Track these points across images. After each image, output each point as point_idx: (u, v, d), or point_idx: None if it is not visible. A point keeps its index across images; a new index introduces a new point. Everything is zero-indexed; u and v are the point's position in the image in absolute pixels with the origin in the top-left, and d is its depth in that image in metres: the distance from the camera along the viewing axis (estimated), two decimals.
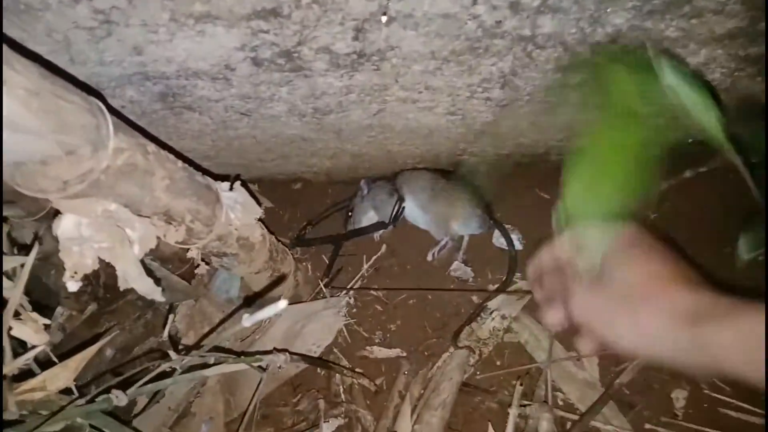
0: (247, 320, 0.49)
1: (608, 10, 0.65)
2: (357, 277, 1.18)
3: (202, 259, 0.85)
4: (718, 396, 0.80)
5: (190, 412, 1.00)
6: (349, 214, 1.26)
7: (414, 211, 1.19)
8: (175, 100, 0.85)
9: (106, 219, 0.55)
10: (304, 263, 1.21)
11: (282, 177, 1.37)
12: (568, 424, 0.84)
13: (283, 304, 0.44)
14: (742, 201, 1.03)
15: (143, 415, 1.00)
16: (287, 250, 1.07)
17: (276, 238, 1.04)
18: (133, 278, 0.59)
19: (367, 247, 1.24)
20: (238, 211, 0.76)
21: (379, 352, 1.04)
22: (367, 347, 1.05)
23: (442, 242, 1.16)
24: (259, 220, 0.86)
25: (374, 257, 1.22)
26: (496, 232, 1.16)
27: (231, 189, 0.76)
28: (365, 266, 1.20)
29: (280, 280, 1.03)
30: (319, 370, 1.04)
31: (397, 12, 0.63)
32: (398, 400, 0.93)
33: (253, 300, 0.98)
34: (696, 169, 1.11)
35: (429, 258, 1.16)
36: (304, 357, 0.91)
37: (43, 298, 1.15)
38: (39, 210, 0.78)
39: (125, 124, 0.57)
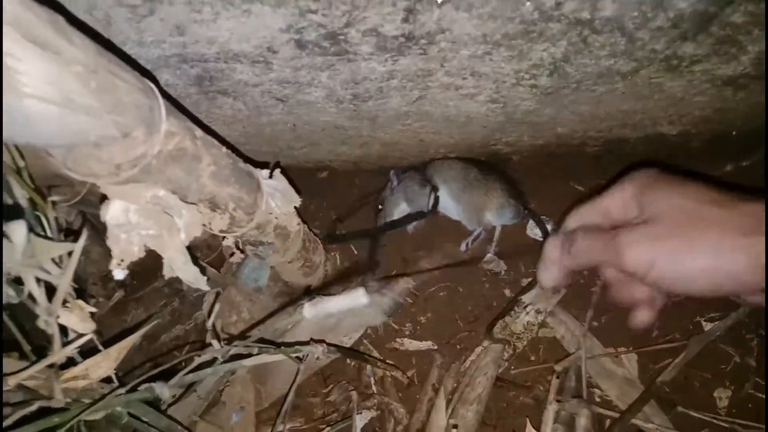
0: (308, 311, 0.47)
1: None
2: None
3: (237, 247, 0.83)
4: (762, 395, 0.77)
5: (221, 401, 0.99)
6: (380, 207, 1.23)
7: (446, 202, 1.16)
8: (212, 84, 0.82)
9: (154, 205, 0.54)
10: (332, 253, 1.19)
11: (309, 165, 1.35)
12: (607, 422, 0.82)
13: (362, 293, 0.42)
14: None
15: (177, 405, 1.00)
16: (318, 239, 1.05)
17: (309, 227, 1.02)
18: (179, 267, 0.57)
19: (396, 238, 1.22)
20: (278, 199, 0.74)
21: (410, 344, 1.02)
22: (397, 339, 1.03)
23: (475, 233, 1.14)
24: (295, 208, 0.84)
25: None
26: (531, 223, 1.14)
27: (270, 176, 0.74)
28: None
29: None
30: (349, 361, 1.03)
31: None
32: (431, 393, 0.92)
33: (309, 292, 0.97)
34: (738, 163, 1.07)
35: (462, 248, 1.14)
36: (340, 348, 0.89)
37: (73, 287, 1.15)
38: (75, 195, 0.76)
39: (174, 108, 0.55)
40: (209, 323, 0.67)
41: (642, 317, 0.52)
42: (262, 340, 0.84)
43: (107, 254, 0.86)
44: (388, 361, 0.99)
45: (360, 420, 0.89)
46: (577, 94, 0.86)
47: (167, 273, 0.59)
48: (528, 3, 0.62)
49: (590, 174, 1.18)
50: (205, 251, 1.16)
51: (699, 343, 0.83)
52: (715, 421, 0.76)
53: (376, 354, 1.01)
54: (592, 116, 0.95)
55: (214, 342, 0.65)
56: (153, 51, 0.72)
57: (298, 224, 0.86)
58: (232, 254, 0.84)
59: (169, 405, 0.82)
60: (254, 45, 0.70)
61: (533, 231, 1.13)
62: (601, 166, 1.17)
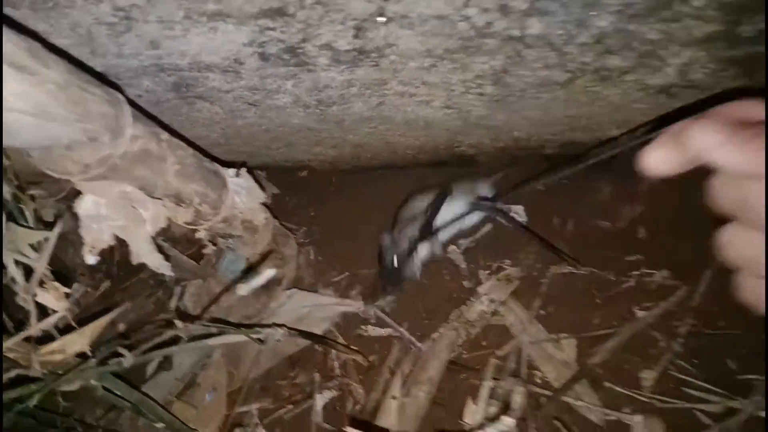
0: (242, 289, 0.55)
1: (593, 13, 0.69)
2: None
3: (209, 240, 0.91)
4: (684, 377, 0.85)
5: (196, 383, 1.07)
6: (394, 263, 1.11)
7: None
8: (188, 90, 0.90)
9: (122, 200, 0.61)
10: (306, 248, 1.27)
11: (288, 164, 1.43)
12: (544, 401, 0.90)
13: (271, 272, 0.50)
14: None
15: (152, 384, 1.07)
16: (289, 234, 1.12)
17: (280, 222, 1.10)
18: (144, 254, 0.65)
19: None
20: (243, 195, 0.82)
21: (373, 331, 1.10)
22: (362, 326, 1.11)
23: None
24: (264, 204, 0.91)
25: None
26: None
27: (237, 175, 0.82)
28: None
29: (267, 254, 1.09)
30: (317, 347, 1.11)
31: (394, 13, 0.67)
32: (389, 375, 0.99)
33: (248, 273, 1.03)
34: None
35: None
36: (302, 333, 0.97)
37: (60, 274, 1.23)
38: (59, 191, 0.84)
39: (141, 114, 0.63)
40: (171, 304, 0.75)
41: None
42: (226, 322, 0.91)
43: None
44: (351, 346, 1.07)
45: (321, 399, 0.97)
46: (524, 102, 0.93)
47: (135, 260, 0.66)
48: (461, 23, 0.69)
49: (550, 174, 1.25)
50: (186, 244, 1.23)
51: (630, 329, 0.91)
52: (638, 397, 0.83)
53: (341, 340, 1.09)
54: (542, 121, 1.02)
55: (177, 321, 0.72)
56: (132, 62, 0.80)
57: (266, 219, 0.93)
58: (205, 246, 0.91)
59: (145, 381, 0.89)
60: (222, 57, 0.78)
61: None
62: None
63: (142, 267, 1.33)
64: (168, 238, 1.16)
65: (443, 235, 1.17)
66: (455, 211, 1.13)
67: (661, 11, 0.68)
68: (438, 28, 0.71)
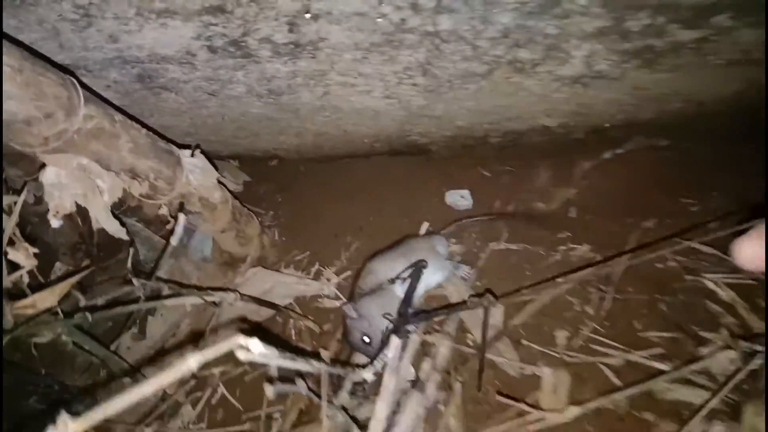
0: (174, 239, 0.65)
1: (494, 11, 0.79)
2: None
3: (171, 216, 1.01)
4: (593, 335, 0.95)
5: (165, 349, 1.17)
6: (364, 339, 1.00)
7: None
8: (151, 81, 1.00)
9: (80, 171, 0.71)
10: (271, 229, 1.37)
11: (258, 154, 1.53)
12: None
13: (183, 217, 0.60)
14: (652, 179, 1.19)
15: (128, 354, 1.18)
16: (252, 214, 1.22)
17: (243, 203, 1.20)
18: (102, 220, 0.75)
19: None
20: (198, 174, 0.92)
21: (329, 302, 1.20)
22: (319, 299, 1.21)
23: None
24: (221, 183, 1.01)
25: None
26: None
27: (192, 156, 0.92)
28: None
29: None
30: (278, 318, 1.21)
31: (319, 10, 0.77)
32: (338, 340, 1.10)
33: None
34: (614, 151, 1.24)
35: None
36: (255, 299, 1.07)
37: (43, 254, 1.33)
38: (34, 172, 0.94)
39: (96, 98, 0.73)
40: (128, 264, 0.85)
41: None
42: (183, 285, 1.01)
43: (74, 226, 1.07)
44: (307, 315, 1.17)
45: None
46: (456, 92, 1.03)
47: (94, 225, 0.76)
48: (380, 19, 0.79)
49: (495, 162, 1.36)
50: (158, 225, 1.33)
51: (548, 295, 1.01)
52: (551, 353, 0.93)
53: (298, 310, 1.19)
54: (478, 111, 1.13)
55: (134, 279, 0.82)
56: (97, 54, 0.90)
57: (223, 198, 1.03)
58: (168, 222, 1.01)
59: (112, 341, 0.99)
60: (176, 50, 0.88)
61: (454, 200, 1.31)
62: (504, 155, 1.35)
63: (121, 248, 1.44)
64: (141, 219, 1.26)
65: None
66: (437, 279, 1.10)
67: (552, 8, 0.78)
68: (361, 23, 0.81)
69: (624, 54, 0.90)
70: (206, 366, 1.16)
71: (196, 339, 1.16)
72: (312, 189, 1.50)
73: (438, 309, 1.02)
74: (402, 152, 1.44)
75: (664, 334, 0.91)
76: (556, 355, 0.94)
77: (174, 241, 0.65)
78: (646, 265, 1.00)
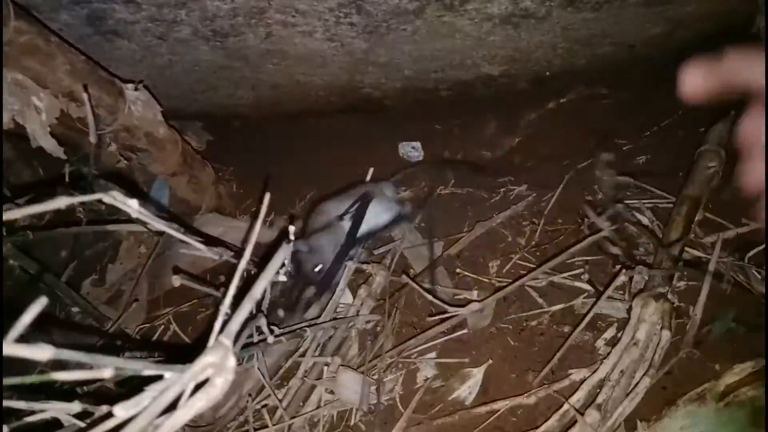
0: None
1: None
2: None
3: (120, 154, 1.05)
4: (521, 262, 1.00)
5: (121, 290, 1.21)
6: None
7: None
8: (101, 23, 1.03)
9: (16, 86, 0.75)
10: (229, 181, 1.42)
11: (220, 112, 1.56)
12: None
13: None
14: (591, 125, 1.23)
15: (86, 296, 1.22)
16: (206, 162, 1.26)
17: (195, 150, 1.24)
18: (40, 137, 0.79)
19: None
20: (140, 106, 0.96)
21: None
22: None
23: None
24: (168, 124, 1.05)
25: None
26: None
27: (136, 89, 0.96)
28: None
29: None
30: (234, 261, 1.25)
31: None
32: None
33: None
34: (558, 101, 1.29)
35: None
36: (201, 234, 1.11)
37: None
38: None
39: (31, 17, 0.77)
40: (66, 180, 0.89)
41: None
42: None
43: (35, 176, 1.10)
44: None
45: (228, 299, 1.11)
46: (395, 34, 1.07)
47: (33, 143, 0.80)
48: None
49: (448, 116, 1.41)
50: (117, 177, 1.37)
51: (482, 227, 1.06)
52: (483, 280, 0.98)
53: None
54: (421, 57, 1.17)
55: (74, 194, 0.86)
56: None
57: (173, 139, 1.07)
58: (118, 161, 1.05)
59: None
60: None
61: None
62: (455, 108, 1.40)
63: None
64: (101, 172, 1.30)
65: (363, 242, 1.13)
66: (384, 219, 1.14)
67: None
68: None
69: None
70: (156, 305, 1.20)
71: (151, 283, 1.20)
72: (272, 146, 1.54)
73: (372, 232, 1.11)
74: (359, 109, 1.48)
75: (588, 258, 0.96)
76: (486, 280, 0.98)
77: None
78: (576, 197, 1.05)
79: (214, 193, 1.30)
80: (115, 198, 0.44)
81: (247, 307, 0.47)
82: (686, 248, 0.88)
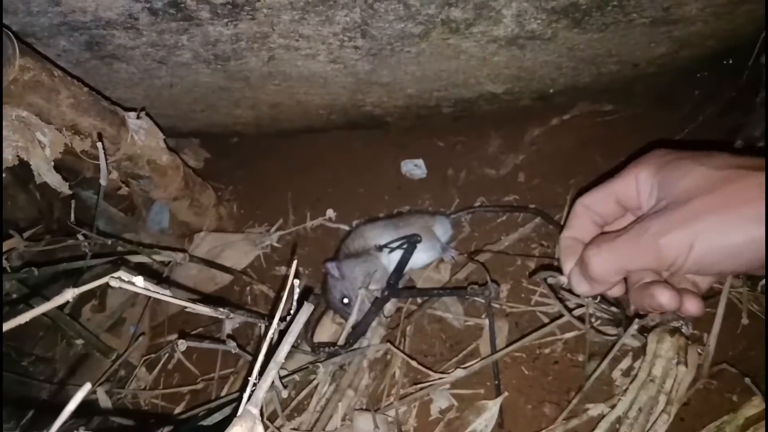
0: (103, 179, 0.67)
1: None
2: None
3: (122, 181, 1.03)
4: (533, 287, 0.99)
5: (122, 318, 1.20)
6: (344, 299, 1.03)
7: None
8: (100, 48, 1.02)
9: (19, 122, 0.73)
10: (230, 202, 1.40)
11: (218, 130, 1.55)
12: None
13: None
14: (595, 141, 1.23)
15: (87, 324, 1.20)
16: (207, 184, 1.25)
17: (198, 174, 1.22)
18: (44, 172, 0.77)
19: None
20: (143, 134, 0.94)
21: (285, 270, 1.23)
22: (276, 267, 1.24)
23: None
24: (170, 149, 1.03)
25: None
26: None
27: (138, 117, 0.94)
28: None
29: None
30: (235, 287, 1.24)
31: None
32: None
33: None
34: (561, 117, 1.29)
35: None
36: (205, 261, 1.09)
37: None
38: None
39: (35, 53, 0.75)
40: (71, 218, 0.87)
41: (692, 307, 0.43)
42: (131, 242, 1.03)
43: (32, 201, 1.08)
44: (261, 281, 1.20)
45: (229, 324, 1.10)
46: (398, 56, 1.06)
47: (37, 179, 0.78)
48: None
49: (450, 133, 1.40)
50: (117, 199, 1.35)
51: (491, 252, 1.05)
52: (494, 306, 0.97)
53: (252, 274, 1.22)
54: (424, 77, 1.16)
55: (79, 236, 0.85)
56: (42, 20, 0.91)
57: (175, 164, 1.05)
58: (119, 188, 1.03)
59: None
60: (118, 13, 0.90)
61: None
62: (458, 126, 1.39)
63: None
64: (96, 192, 1.28)
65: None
66: (423, 259, 1.09)
67: None
68: None
69: (552, 12, 0.94)
70: (161, 332, 1.18)
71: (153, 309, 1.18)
72: (272, 164, 1.52)
73: (433, 289, 1.03)
74: (360, 125, 1.47)
75: None
76: (498, 306, 0.97)
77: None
78: None
79: (214, 215, 1.28)
80: (122, 279, 0.43)
81: (272, 374, 0.46)
82: None
